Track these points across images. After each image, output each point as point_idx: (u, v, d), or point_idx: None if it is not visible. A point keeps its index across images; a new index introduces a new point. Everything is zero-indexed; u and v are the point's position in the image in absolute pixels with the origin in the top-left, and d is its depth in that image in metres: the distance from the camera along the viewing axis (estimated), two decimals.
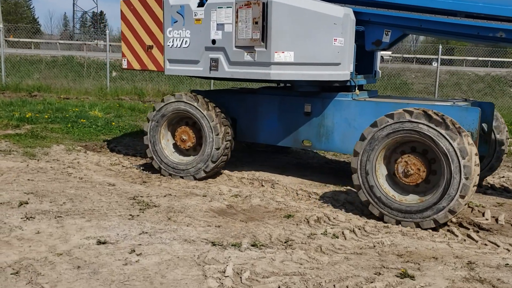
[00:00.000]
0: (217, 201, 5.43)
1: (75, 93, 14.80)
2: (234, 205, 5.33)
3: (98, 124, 10.08)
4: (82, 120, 10.30)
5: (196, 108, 6.06)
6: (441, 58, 16.54)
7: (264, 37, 5.28)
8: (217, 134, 6.03)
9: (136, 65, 6.58)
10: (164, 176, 6.46)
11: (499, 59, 30.21)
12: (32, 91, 14.78)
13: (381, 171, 4.99)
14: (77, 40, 47.84)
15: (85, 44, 35.71)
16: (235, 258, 3.88)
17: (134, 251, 3.94)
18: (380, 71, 6.72)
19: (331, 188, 6.17)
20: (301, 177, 6.67)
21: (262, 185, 6.19)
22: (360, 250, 4.18)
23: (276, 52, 5.25)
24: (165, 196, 5.54)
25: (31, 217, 4.60)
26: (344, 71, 5.54)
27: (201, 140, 6.25)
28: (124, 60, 6.73)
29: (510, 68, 29.01)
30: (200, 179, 6.21)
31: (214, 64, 5.79)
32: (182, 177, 6.27)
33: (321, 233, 4.53)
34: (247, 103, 6.51)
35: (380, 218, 4.91)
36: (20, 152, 7.41)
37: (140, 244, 4.09)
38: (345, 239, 4.44)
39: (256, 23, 5.24)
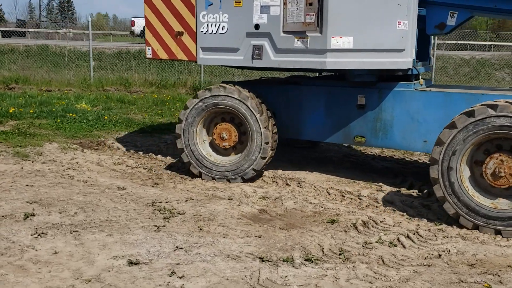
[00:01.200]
0: (246, 205, 4.88)
1: (57, 85, 13.90)
2: (267, 210, 4.80)
3: (89, 118, 9.34)
4: (70, 114, 9.54)
5: (240, 101, 5.43)
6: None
7: (319, 20, 4.69)
8: (266, 127, 5.44)
9: (162, 55, 5.91)
10: (186, 177, 5.86)
11: (478, 43, 30.29)
12: (9, 83, 13.81)
13: (465, 168, 4.39)
14: (45, 28, 46.03)
15: (57, 32, 34.25)
16: (292, 277, 3.36)
17: (174, 273, 3.37)
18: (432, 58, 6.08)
19: (361, 185, 5.69)
20: (326, 173, 6.17)
21: (288, 184, 5.66)
22: (426, 261, 3.71)
23: (333, 38, 4.66)
24: (186, 200, 4.96)
25: (42, 233, 3.98)
26: (407, 58, 4.89)
27: (242, 137, 5.69)
28: (149, 49, 6.07)
29: (487, 51, 29.09)
30: (249, 180, 5.63)
31: (258, 52, 5.18)
32: (228, 180, 5.61)
33: (376, 241, 4.05)
34: (289, 95, 5.89)
35: (455, 218, 4.39)
36: (11, 153, 6.68)
37: (178, 263, 3.53)
38: (404, 247, 3.97)
39: (310, 4, 4.64)
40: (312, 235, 4.16)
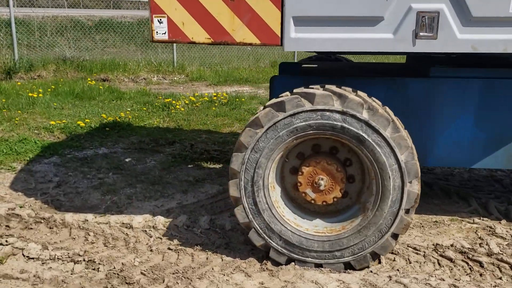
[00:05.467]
0: None
1: None
2: None
3: None
4: None
5: (373, 128, 2.98)
6: None
7: None
8: (416, 178, 3.04)
9: (197, 34, 3.31)
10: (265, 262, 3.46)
11: None
12: None
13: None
14: None
15: None
16: None
17: None
18: None
19: None
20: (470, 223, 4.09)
21: (441, 265, 3.50)
22: None
23: None
24: None
25: None
26: None
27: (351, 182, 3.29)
28: (160, 23, 3.41)
29: None
30: (361, 269, 3.22)
31: (428, 24, 2.93)
32: (320, 266, 3.21)
33: None
34: (409, 95, 3.61)
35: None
36: None
37: None
38: None
39: None
40: None
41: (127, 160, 5.36)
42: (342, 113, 3.00)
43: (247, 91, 10.09)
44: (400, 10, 3.04)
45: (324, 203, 3.24)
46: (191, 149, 5.75)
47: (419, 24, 3.03)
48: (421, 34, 3.04)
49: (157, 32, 3.35)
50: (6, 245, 3.44)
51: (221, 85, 11.02)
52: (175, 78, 11.94)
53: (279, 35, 3.17)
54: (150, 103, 8.20)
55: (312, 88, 3.18)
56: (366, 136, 2.98)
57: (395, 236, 3.12)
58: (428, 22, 3.04)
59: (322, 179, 3.17)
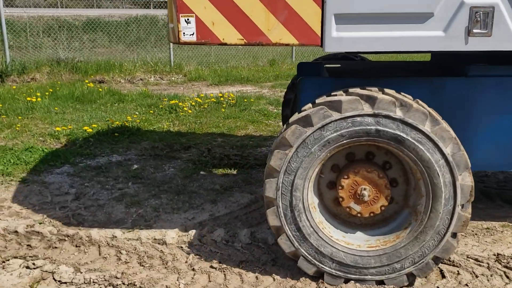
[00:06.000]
0: None
1: None
2: None
3: None
4: None
5: (427, 136, 2.72)
6: None
7: None
8: (467, 170, 2.81)
9: (228, 35, 2.97)
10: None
11: None
12: None
13: None
14: None
15: None
16: None
17: None
18: None
19: None
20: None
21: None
22: None
23: None
24: None
25: None
26: None
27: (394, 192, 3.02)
28: (188, 23, 3.11)
29: None
30: (425, 277, 3.01)
31: (483, 20, 2.72)
32: (381, 282, 2.95)
33: None
34: (445, 96, 3.35)
35: None
36: None
37: None
38: None
39: None
40: None
41: (144, 168, 5.05)
42: (374, 115, 2.74)
43: (251, 91, 9.81)
44: (452, 5, 2.81)
45: (372, 214, 2.99)
46: (209, 154, 5.46)
47: (472, 20, 2.81)
48: (474, 31, 2.82)
49: (184, 33, 3.06)
50: (34, 268, 3.13)
51: (222, 85, 10.72)
52: (173, 78, 11.61)
53: (319, 35, 2.91)
54: (154, 106, 7.87)
55: (336, 95, 2.93)
56: (404, 135, 2.73)
57: (455, 236, 2.87)
58: (482, 18, 2.82)
59: (365, 189, 2.91)
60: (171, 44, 12.28)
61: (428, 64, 4.63)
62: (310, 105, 2.94)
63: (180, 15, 3.02)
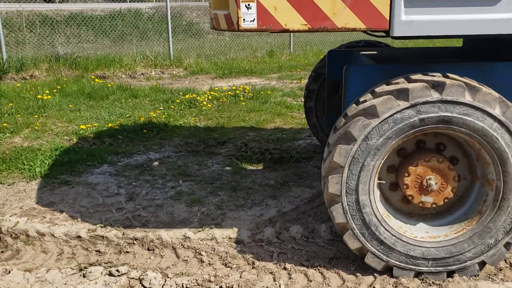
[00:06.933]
0: None
1: None
2: None
3: None
4: None
5: (502, 123, 2.67)
6: None
7: None
8: None
9: (291, 20, 2.81)
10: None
11: None
12: None
13: None
14: None
15: None
16: None
17: None
18: None
19: None
20: None
21: None
22: None
23: None
24: None
25: None
26: None
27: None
28: (248, 9, 2.94)
29: None
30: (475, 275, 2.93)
31: None
32: (452, 273, 2.89)
33: None
34: (494, 81, 3.19)
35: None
36: None
37: None
38: None
39: None
40: None
41: (187, 165, 4.88)
42: (442, 102, 2.65)
43: (260, 83, 9.66)
44: None
45: (445, 200, 2.90)
46: (249, 150, 5.32)
47: None
48: None
49: (244, 19, 2.90)
50: (119, 275, 2.96)
51: (227, 78, 10.53)
52: (174, 72, 11.35)
53: (387, 18, 2.79)
54: (171, 100, 7.66)
55: (397, 82, 2.83)
56: (450, 114, 2.65)
57: (508, 245, 2.85)
58: None
59: (430, 179, 2.82)
60: (171, 37, 12.01)
61: (462, 49, 4.54)
62: (369, 95, 2.83)
63: (241, 0, 2.87)
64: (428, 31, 2.83)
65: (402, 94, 2.68)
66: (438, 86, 2.66)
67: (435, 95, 2.65)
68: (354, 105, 2.88)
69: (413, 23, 2.79)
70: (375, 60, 3.69)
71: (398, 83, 2.82)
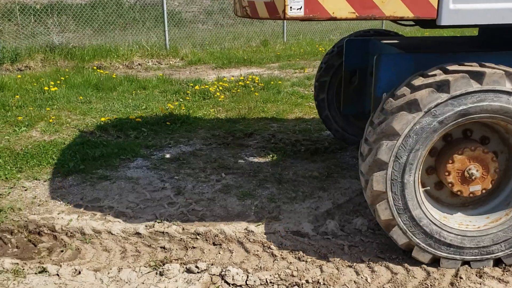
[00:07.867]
0: None
1: None
2: None
3: None
4: None
5: None
6: None
7: None
8: None
9: (339, 8, 2.76)
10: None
11: None
12: None
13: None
14: None
15: None
16: None
17: None
18: None
19: None
20: None
21: None
22: None
23: None
24: None
25: None
26: None
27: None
28: None
29: None
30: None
31: None
32: (499, 261, 2.96)
33: None
34: None
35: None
36: None
37: None
38: None
39: None
40: None
41: (222, 157, 4.81)
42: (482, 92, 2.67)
43: (263, 72, 9.59)
44: None
45: (479, 192, 2.94)
46: (279, 141, 5.28)
47: None
48: None
49: (291, 7, 2.84)
50: (198, 272, 2.90)
51: (227, 68, 10.42)
52: (171, 62, 11.16)
53: (436, 7, 2.78)
54: (182, 91, 7.53)
55: (435, 74, 2.81)
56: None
57: None
58: None
59: (473, 168, 2.86)
60: (166, 26, 11.79)
61: (479, 39, 4.53)
62: (406, 88, 2.83)
63: None
64: (475, 20, 2.82)
65: (443, 86, 2.67)
66: (478, 76, 2.67)
67: (475, 86, 2.66)
68: (391, 98, 2.85)
69: (460, 11, 2.78)
70: (401, 49, 3.68)
71: (435, 74, 2.80)
